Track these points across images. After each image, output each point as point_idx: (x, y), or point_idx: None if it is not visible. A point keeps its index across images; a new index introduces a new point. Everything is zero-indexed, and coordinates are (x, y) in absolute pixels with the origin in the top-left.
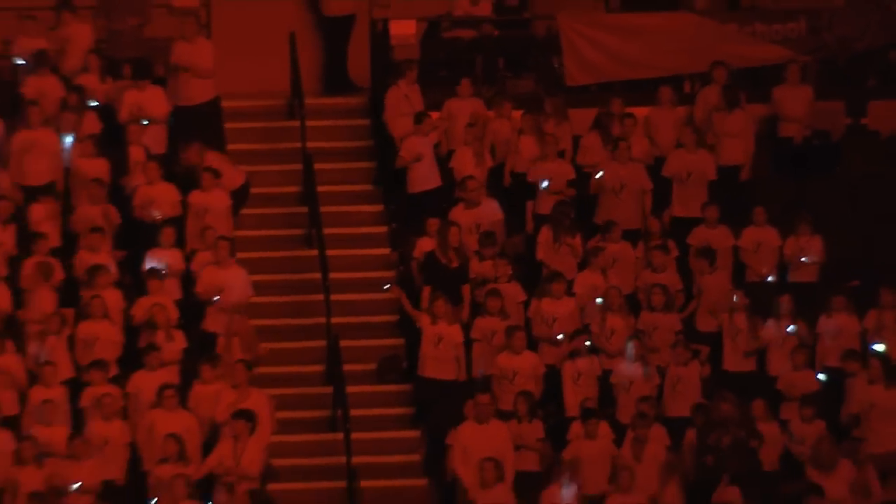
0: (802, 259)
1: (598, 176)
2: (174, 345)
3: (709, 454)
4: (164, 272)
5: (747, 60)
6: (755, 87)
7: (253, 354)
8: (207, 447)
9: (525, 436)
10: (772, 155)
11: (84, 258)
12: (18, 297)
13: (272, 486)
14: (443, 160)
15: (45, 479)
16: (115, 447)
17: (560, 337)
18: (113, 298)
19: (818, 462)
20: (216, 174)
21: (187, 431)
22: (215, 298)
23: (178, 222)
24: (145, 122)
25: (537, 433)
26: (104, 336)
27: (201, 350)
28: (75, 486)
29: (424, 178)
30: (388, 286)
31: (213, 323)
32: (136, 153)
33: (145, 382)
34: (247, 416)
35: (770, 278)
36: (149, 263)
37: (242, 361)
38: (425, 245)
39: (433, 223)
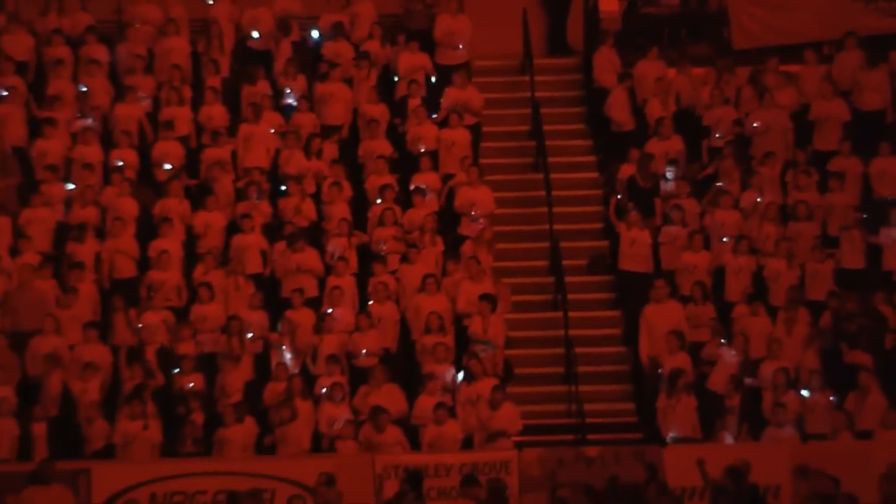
0: None
1: (752, 123)
2: (435, 246)
3: (842, 334)
4: (426, 191)
5: (871, 30)
6: (877, 51)
7: (493, 252)
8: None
9: (701, 315)
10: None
11: (373, 181)
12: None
13: (508, 353)
14: (638, 108)
15: (338, 345)
16: (389, 323)
17: (725, 240)
18: (379, 210)
19: None
20: (461, 117)
21: (444, 310)
22: (472, 213)
23: (434, 155)
24: (414, 81)
25: (710, 314)
26: (387, 237)
27: (455, 249)
28: (363, 351)
29: (624, 121)
30: (619, 196)
31: (465, 229)
32: (412, 103)
33: (412, 273)
34: (489, 298)
35: (890, 197)
36: (414, 184)
37: (483, 258)
38: (627, 170)
39: (635, 153)
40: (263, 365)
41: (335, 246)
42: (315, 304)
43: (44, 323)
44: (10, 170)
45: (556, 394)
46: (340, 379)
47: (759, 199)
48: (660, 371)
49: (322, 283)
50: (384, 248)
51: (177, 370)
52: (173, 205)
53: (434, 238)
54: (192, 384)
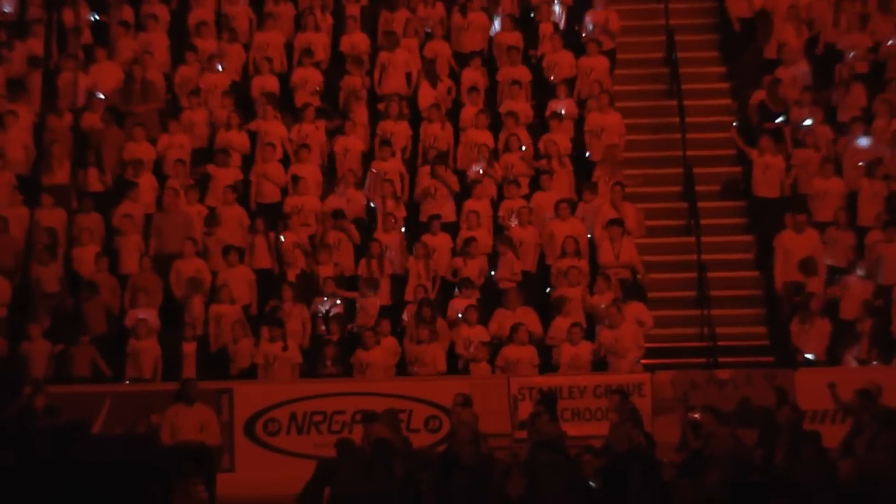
0: None
1: (886, 45)
2: (565, 170)
3: None
4: (561, 116)
5: None
6: None
7: (624, 177)
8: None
9: (841, 241)
10: None
11: (508, 104)
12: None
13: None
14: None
15: (475, 269)
16: (530, 246)
17: (861, 164)
18: (523, 135)
19: None
20: (599, 44)
21: (579, 235)
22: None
23: (570, 82)
24: (557, 8)
25: (850, 240)
26: (518, 164)
27: (587, 176)
28: (498, 275)
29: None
30: (736, 124)
31: (595, 153)
32: (544, 28)
33: (545, 199)
34: (619, 223)
35: None
36: (550, 110)
37: (618, 184)
38: (759, 95)
39: (766, 78)
40: (401, 287)
41: (473, 169)
42: (452, 228)
43: (187, 246)
44: (153, 95)
45: (689, 317)
46: (475, 302)
47: (892, 124)
48: (794, 296)
49: (459, 208)
50: (513, 172)
51: (318, 295)
52: (310, 130)
53: (566, 163)
54: (331, 306)
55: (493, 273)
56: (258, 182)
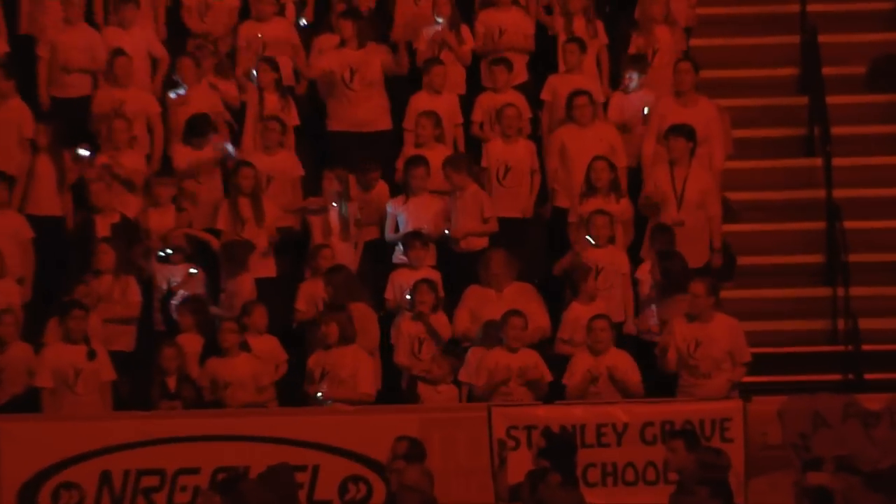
0: None
1: None
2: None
3: None
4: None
5: None
6: None
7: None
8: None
9: None
10: None
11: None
12: None
13: (731, 227)
14: None
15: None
16: (521, 172)
17: None
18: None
19: None
20: None
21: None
22: None
23: None
24: None
25: None
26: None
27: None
28: None
29: None
30: None
31: None
32: None
33: (558, 86)
34: (687, 133)
35: None
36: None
37: (686, 58)
38: None
39: None
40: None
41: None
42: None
43: None
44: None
45: (811, 302)
46: (430, 273)
47: None
48: None
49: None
50: None
51: None
52: None
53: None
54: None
55: (445, 230)
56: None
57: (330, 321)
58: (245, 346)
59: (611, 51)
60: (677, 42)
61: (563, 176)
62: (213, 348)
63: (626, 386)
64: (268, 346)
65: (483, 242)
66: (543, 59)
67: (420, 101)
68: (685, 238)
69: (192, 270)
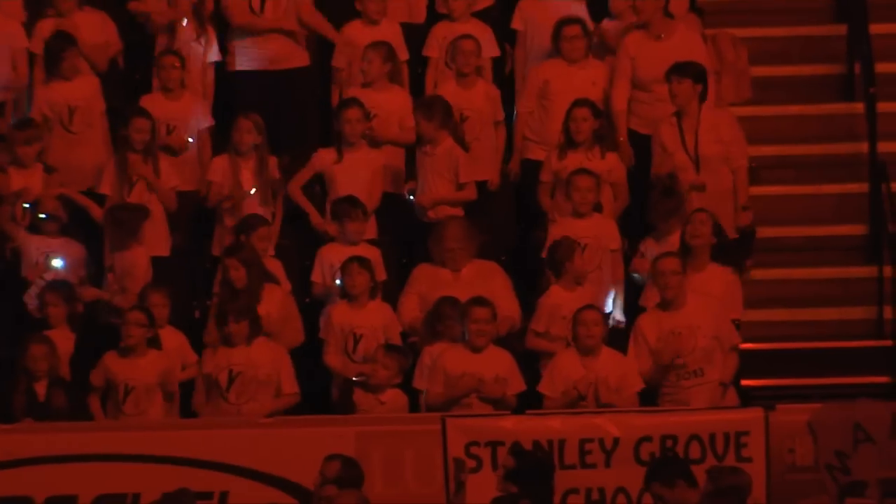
0: None
1: None
2: None
3: None
4: None
5: None
6: None
7: None
8: None
9: None
10: None
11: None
12: None
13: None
14: None
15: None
16: (482, 122)
17: None
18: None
19: None
20: None
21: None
22: None
23: None
24: None
25: None
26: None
27: None
28: None
29: None
30: None
31: None
32: None
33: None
34: (694, 73)
35: None
36: None
37: None
38: None
39: None
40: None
41: None
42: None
43: None
44: None
45: (849, 284)
46: (368, 252)
47: None
48: None
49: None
50: None
51: None
52: None
53: None
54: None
55: (410, 195)
56: None
57: (241, 313)
58: (155, 343)
59: None
60: None
61: (539, 123)
62: (89, 346)
63: (623, 399)
64: (175, 343)
65: (457, 212)
66: None
67: (353, 33)
68: (708, 204)
69: (56, 262)
